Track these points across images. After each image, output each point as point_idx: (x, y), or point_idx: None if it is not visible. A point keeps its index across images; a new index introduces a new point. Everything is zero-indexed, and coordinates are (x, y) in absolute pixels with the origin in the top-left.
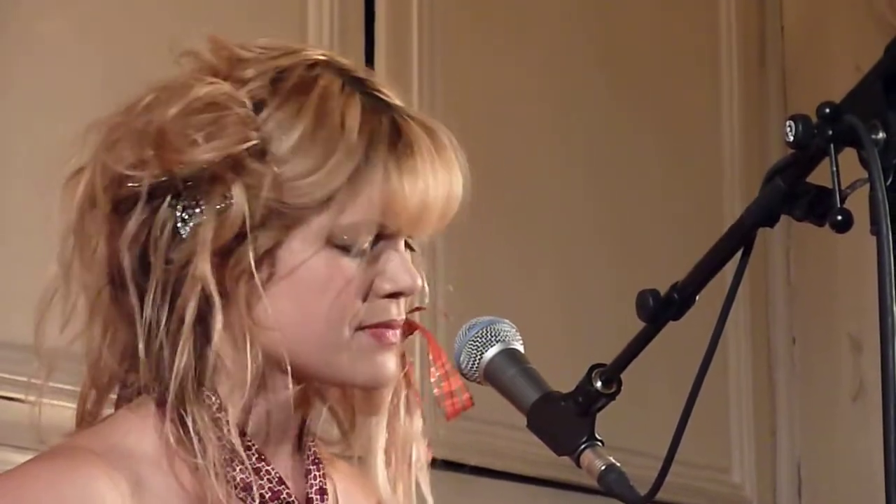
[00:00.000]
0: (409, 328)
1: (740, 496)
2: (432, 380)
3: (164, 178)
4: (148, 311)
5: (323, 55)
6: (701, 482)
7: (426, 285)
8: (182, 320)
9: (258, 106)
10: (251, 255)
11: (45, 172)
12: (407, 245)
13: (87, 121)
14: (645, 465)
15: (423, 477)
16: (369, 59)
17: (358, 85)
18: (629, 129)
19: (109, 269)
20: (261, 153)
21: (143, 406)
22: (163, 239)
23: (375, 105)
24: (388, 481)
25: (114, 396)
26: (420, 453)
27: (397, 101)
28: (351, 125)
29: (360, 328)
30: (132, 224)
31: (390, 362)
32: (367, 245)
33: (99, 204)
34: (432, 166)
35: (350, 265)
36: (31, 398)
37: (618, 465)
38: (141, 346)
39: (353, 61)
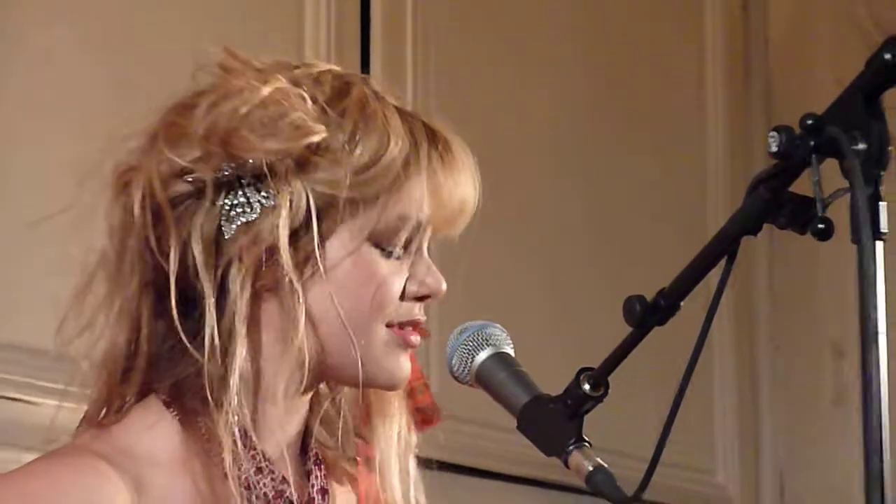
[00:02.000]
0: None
1: (724, 497)
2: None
3: (226, 173)
4: (198, 314)
5: (336, 68)
6: (685, 483)
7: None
8: (232, 319)
9: (315, 106)
10: (288, 254)
11: (47, 176)
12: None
13: (88, 125)
14: (631, 467)
15: (419, 486)
16: (365, 68)
17: (379, 93)
18: (617, 137)
19: (152, 266)
20: (320, 149)
21: (152, 406)
22: (217, 236)
23: (404, 109)
24: (400, 483)
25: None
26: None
27: (400, 103)
28: (395, 124)
29: (389, 325)
30: (189, 218)
31: (407, 364)
32: (401, 246)
33: (158, 198)
34: (465, 165)
35: (385, 266)
36: (35, 399)
37: (605, 465)
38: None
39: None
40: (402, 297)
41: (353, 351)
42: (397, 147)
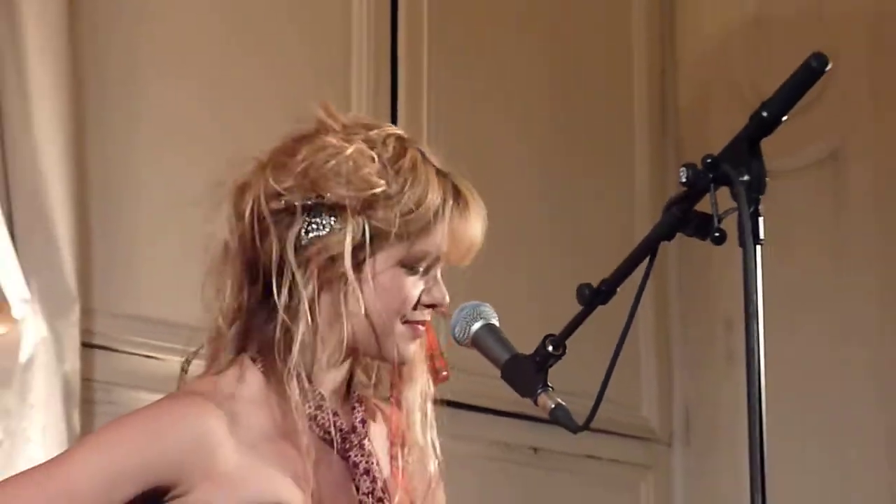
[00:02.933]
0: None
1: (647, 426)
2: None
3: (310, 202)
4: (275, 291)
5: (399, 132)
6: (619, 416)
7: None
8: (313, 301)
9: (380, 165)
10: (350, 262)
11: (168, 193)
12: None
13: (200, 158)
14: (582, 403)
15: (433, 425)
16: (393, 108)
17: (425, 156)
18: (575, 167)
19: (251, 257)
20: (379, 197)
21: (243, 362)
22: (297, 242)
23: (440, 171)
24: (420, 422)
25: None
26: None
27: (445, 167)
28: (433, 184)
29: (404, 322)
30: (280, 227)
31: (414, 347)
32: (422, 270)
33: (262, 209)
34: (476, 217)
35: (409, 282)
36: (162, 356)
37: (563, 403)
38: (255, 319)
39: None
40: (416, 304)
41: (377, 336)
42: (431, 202)
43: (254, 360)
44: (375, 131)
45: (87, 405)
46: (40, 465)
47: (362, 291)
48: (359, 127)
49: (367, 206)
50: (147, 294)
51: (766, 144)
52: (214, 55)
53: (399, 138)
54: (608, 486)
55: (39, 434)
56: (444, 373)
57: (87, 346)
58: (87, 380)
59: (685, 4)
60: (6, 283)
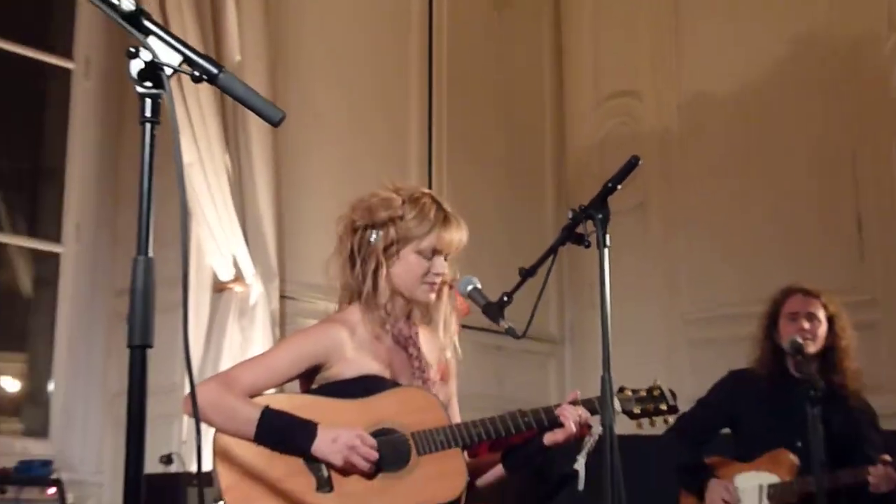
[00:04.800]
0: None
1: (551, 333)
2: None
3: (368, 222)
4: (358, 266)
5: (424, 191)
6: (538, 329)
7: (449, 271)
8: (375, 271)
9: (405, 206)
10: (391, 249)
11: (322, 215)
12: (445, 258)
13: (343, 189)
14: (520, 323)
15: (455, 342)
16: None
17: (434, 199)
18: (520, 207)
19: (350, 248)
20: (402, 219)
21: (355, 304)
22: (368, 240)
23: (439, 207)
24: (448, 341)
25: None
26: (456, 328)
27: (446, 205)
28: (431, 213)
29: (423, 283)
30: (360, 235)
31: (432, 295)
32: (430, 255)
33: (356, 225)
34: (456, 230)
35: (422, 262)
36: (314, 300)
37: (512, 325)
38: (354, 281)
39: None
40: (427, 274)
41: (409, 288)
42: (427, 222)
43: (357, 304)
44: (415, 192)
45: (281, 327)
46: (257, 356)
47: (394, 268)
48: (405, 190)
49: (392, 223)
50: (311, 269)
51: (611, 200)
52: (350, 128)
53: (425, 194)
54: (531, 365)
55: (259, 339)
56: (465, 307)
57: (282, 297)
58: (282, 314)
59: (573, 127)
60: (244, 265)
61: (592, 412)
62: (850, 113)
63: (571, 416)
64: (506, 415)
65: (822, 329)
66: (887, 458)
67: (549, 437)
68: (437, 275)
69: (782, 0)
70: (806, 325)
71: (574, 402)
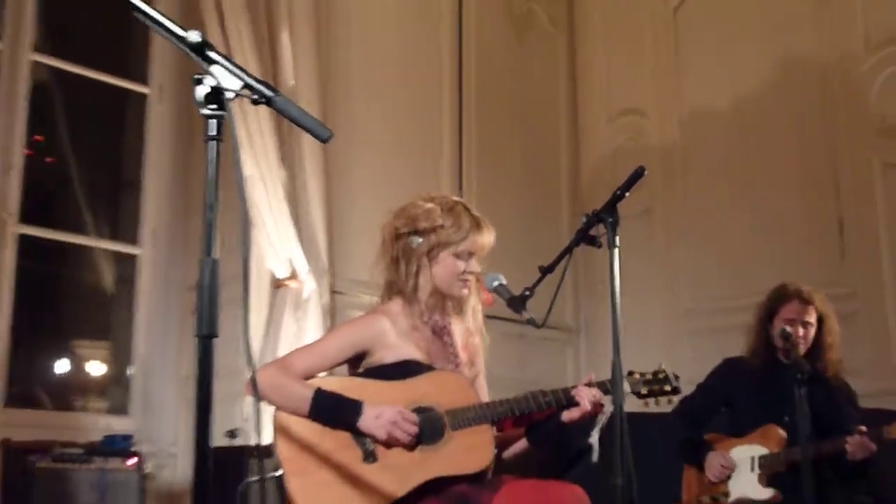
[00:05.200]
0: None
1: (568, 324)
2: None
3: (412, 229)
4: (403, 267)
5: (456, 199)
6: (556, 319)
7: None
8: (417, 272)
9: (443, 215)
10: (432, 252)
11: (368, 219)
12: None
13: (387, 196)
14: (540, 313)
15: (480, 322)
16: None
17: (466, 207)
18: (538, 213)
19: (395, 252)
20: (441, 227)
21: (396, 299)
22: (411, 245)
23: (471, 215)
24: (477, 328)
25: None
26: (482, 319)
27: (475, 212)
28: (465, 222)
29: (458, 280)
30: (404, 241)
31: (466, 291)
32: (466, 257)
33: (399, 232)
34: (487, 235)
35: (458, 263)
36: (362, 295)
37: (533, 316)
38: (398, 280)
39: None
40: (462, 273)
41: (446, 285)
42: (463, 229)
43: (399, 298)
44: (449, 202)
45: (331, 318)
46: (310, 343)
47: (435, 268)
48: (442, 199)
49: (433, 231)
50: (357, 267)
51: (620, 206)
52: (390, 144)
53: (457, 203)
54: (550, 351)
55: (312, 329)
56: (489, 299)
57: (332, 292)
58: (332, 307)
59: (587, 140)
60: (298, 264)
61: (605, 392)
62: (832, 127)
63: (586, 396)
64: (528, 395)
65: (813, 331)
66: (863, 428)
67: (567, 415)
68: (471, 273)
69: (770, 25)
70: (801, 331)
71: (589, 384)
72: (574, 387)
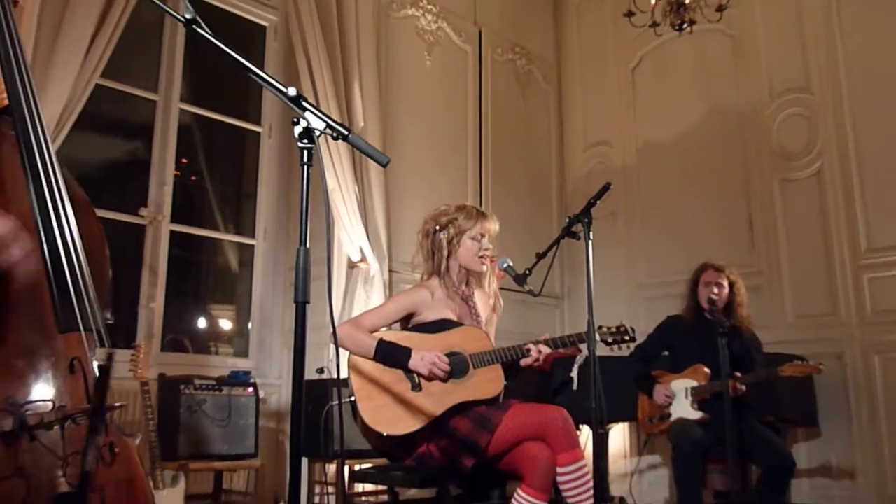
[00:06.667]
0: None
1: (555, 292)
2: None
3: (439, 226)
4: (436, 255)
5: (467, 203)
6: (547, 288)
7: (491, 251)
8: (445, 255)
9: (457, 212)
10: (454, 241)
11: (417, 206)
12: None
13: (423, 203)
14: (535, 284)
15: (496, 291)
16: (480, 188)
17: (473, 206)
18: (532, 214)
19: (429, 245)
20: (457, 221)
21: (433, 276)
22: (440, 238)
23: (477, 208)
24: (493, 295)
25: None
26: (497, 290)
27: (481, 208)
28: (475, 213)
29: (477, 257)
30: (433, 235)
31: (485, 266)
32: (480, 238)
33: (428, 230)
34: (492, 221)
35: (476, 244)
36: (405, 274)
37: (532, 288)
38: (433, 264)
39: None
40: (479, 251)
41: (468, 263)
42: (472, 217)
43: (436, 276)
44: (462, 206)
45: (389, 289)
46: (375, 307)
47: (458, 251)
48: (459, 206)
49: (451, 223)
50: (408, 254)
51: (594, 210)
52: (431, 167)
53: (465, 203)
54: (544, 312)
55: (376, 298)
56: (501, 275)
57: (390, 271)
58: (390, 282)
59: (569, 164)
60: (366, 251)
61: (581, 342)
62: (745, 153)
63: (533, 351)
64: (515, 346)
65: (725, 292)
66: (738, 374)
67: (523, 362)
68: (487, 250)
69: (703, 79)
70: (715, 290)
71: (542, 342)
72: (535, 341)
